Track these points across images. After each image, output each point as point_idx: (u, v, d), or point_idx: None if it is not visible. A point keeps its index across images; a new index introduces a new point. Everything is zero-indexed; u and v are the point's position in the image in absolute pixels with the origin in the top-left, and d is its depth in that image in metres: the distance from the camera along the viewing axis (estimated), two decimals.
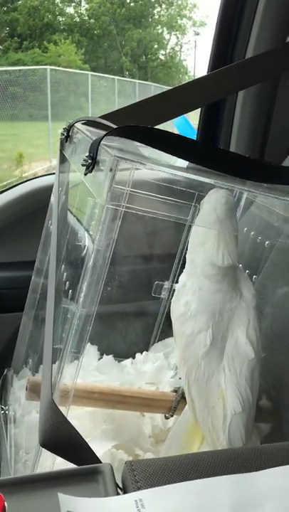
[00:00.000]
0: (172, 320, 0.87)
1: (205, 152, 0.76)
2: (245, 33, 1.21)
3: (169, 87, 1.24)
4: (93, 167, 0.66)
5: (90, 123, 0.94)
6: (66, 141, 0.95)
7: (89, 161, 0.66)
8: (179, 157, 0.73)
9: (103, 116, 0.98)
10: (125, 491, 0.47)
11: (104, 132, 0.69)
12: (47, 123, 8.99)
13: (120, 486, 0.48)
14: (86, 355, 1.06)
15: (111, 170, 0.62)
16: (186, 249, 1.15)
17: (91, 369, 1.06)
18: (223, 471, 0.48)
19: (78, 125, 0.93)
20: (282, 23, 1.18)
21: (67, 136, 0.95)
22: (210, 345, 0.80)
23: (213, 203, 0.77)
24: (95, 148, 0.66)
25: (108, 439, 0.90)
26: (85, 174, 0.67)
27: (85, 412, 0.94)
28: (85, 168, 0.67)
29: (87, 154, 0.67)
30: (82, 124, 0.95)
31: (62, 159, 0.99)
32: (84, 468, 0.49)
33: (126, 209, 0.68)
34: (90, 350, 1.11)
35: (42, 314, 0.93)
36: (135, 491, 0.46)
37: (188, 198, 0.82)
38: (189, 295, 0.83)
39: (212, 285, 0.82)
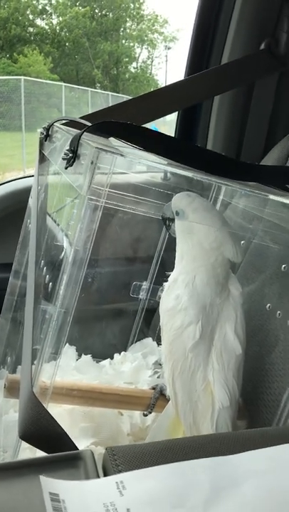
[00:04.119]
0: (160, 314, 0.87)
1: (183, 149, 0.77)
2: (220, 40, 1.24)
3: None
4: (74, 160, 0.67)
5: (69, 123, 0.95)
6: (46, 140, 0.96)
7: (70, 155, 0.67)
8: (158, 154, 0.74)
9: (82, 117, 0.99)
10: (106, 475, 0.47)
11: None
12: (20, 133, 8.93)
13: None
14: (64, 356, 1.06)
15: (92, 162, 0.63)
16: (164, 250, 1.17)
17: (69, 369, 1.06)
18: (202, 455, 0.49)
19: (58, 124, 0.94)
20: (256, 31, 1.21)
21: (46, 135, 0.95)
22: (199, 338, 0.80)
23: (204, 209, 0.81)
24: (75, 142, 0.67)
25: (87, 437, 0.90)
26: (66, 168, 0.68)
27: (64, 410, 0.94)
28: (65, 162, 0.68)
29: (67, 148, 0.68)
30: (62, 124, 0.96)
31: (42, 159, 1.00)
32: (65, 454, 0.49)
33: (105, 204, 0.69)
34: (68, 351, 1.11)
35: (20, 316, 0.93)
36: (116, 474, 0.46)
37: (165, 199, 0.84)
38: (181, 289, 0.83)
39: (204, 278, 0.83)
